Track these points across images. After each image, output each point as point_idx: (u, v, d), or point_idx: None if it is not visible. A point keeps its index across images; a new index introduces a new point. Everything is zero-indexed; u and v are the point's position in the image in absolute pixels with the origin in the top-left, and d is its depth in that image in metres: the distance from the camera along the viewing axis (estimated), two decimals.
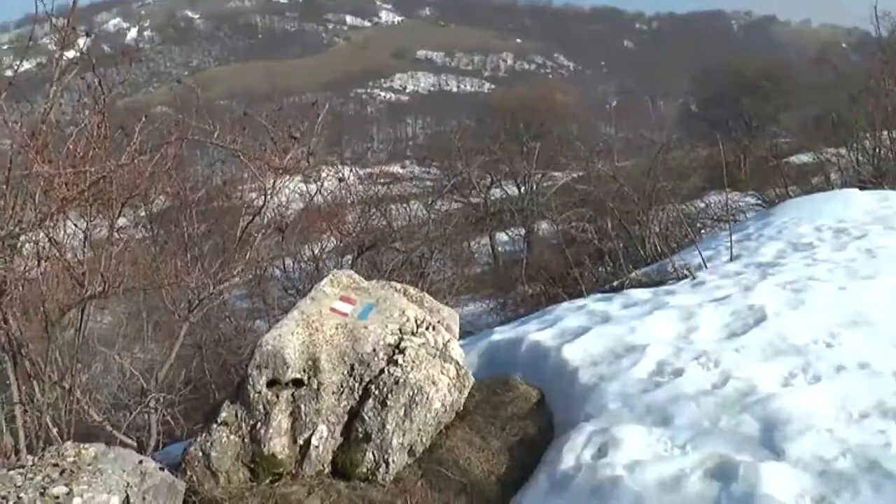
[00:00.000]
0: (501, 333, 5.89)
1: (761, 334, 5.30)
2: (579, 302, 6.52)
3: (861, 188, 11.68)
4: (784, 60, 55.43)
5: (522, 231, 29.36)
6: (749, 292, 6.29)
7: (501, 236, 30.99)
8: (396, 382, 4.44)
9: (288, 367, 4.38)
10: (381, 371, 4.52)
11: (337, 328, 4.61)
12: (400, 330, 4.73)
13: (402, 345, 4.62)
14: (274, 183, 6.44)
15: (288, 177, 6.82)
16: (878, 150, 13.13)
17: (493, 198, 32.09)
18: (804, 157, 19.75)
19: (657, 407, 4.39)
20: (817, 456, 3.77)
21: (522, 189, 31.18)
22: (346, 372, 4.52)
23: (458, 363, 4.75)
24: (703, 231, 16.27)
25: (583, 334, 5.42)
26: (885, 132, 12.97)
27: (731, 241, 8.39)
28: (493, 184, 32.30)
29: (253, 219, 6.81)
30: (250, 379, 4.41)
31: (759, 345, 5.14)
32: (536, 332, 5.65)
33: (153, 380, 5.80)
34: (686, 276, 7.19)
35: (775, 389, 4.45)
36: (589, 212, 18.11)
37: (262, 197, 6.76)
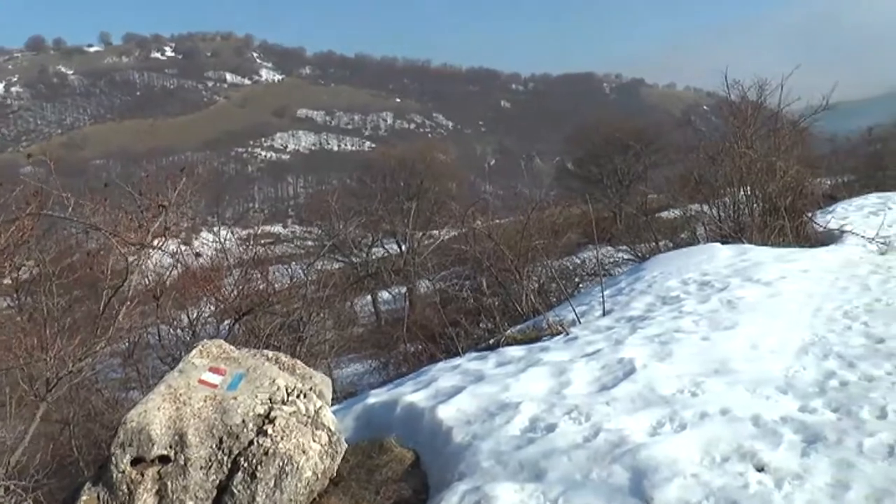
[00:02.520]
0: (377, 396, 5.87)
1: (630, 386, 5.49)
2: (455, 361, 6.58)
3: (723, 242, 12.26)
4: (652, 121, 57.99)
5: (404, 289, 29.46)
6: (619, 346, 6.51)
7: (384, 295, 31.00)
8: (266, 453, 4.36)
9: (153, 444, 4.24)
10: (251, 442, 4.43)
11: (205, 401, 4.50)
12: (270, 399, 4.66)
13: (273, 414, 4.55)
14: (138, 256, 6.25)
15: (153, 248, 6.65)
16: (736, 206, 13.86)
17: (374, 256, 32.17)
18: (674, 213, 20.57)
19: (530, 463, 4.46)
20: (683, 500, 3.96)
21: (404, 247, 31.40)
22: (214, 445, 4.40)
23: (330, 429, 4.70)
24: (581, 286, 16.70)
25: (457, 394, 5.48)
26: (742, 190, 13.70)
27: (602, 297, 8.64)
28: (375, 243, 32.43)
29: (115, 292, 6.58)
30: (114, 458, 4.25)
31: (629, 396, 5.32)
32: (411, 393, 5.67)
33: (3, 466, 5.44)
34: (560, 332, 7.35)
35: (644, 439, 4.63)
36: (466, 270, 18.35)
37: (126, 269, 6.55)
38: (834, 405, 5.24)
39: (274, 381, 4.78)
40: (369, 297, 30.29)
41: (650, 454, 4.36)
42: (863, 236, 12.97)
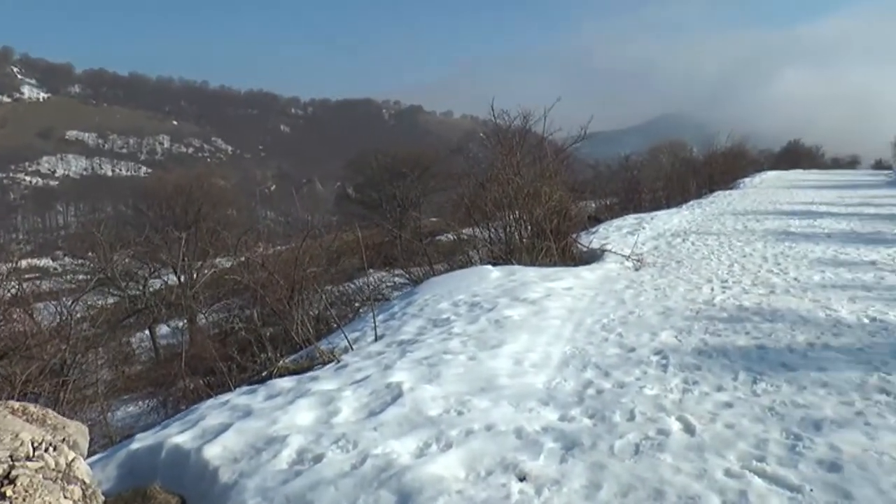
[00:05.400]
0: (141, 440, 5.57)
1: (398, 410, 5.57)
2: (225, 397, 6.39)
3: (494, 264, 12.75)
4: (430, 147, 59.45)
5: (183, 322, 28.29)
6: (388, 371, 6.58)
7: (163, 329, 29.62)
8: None
9: None
10: None
11: None
12: (11, 457, 4.28)
13: (14, 473, 4.17)
14: None
15: None
16: (507, 229, 14.47)
17: (152, 289, 30.67)
18: (450, 237, 21.16)
19: (296, 496, 4.39)
20: None
21: (182, 278, 30.16)
22: None
23: (84, 482, 4.39)
24: (361, 311, 16.77)
25: (224, 431, 5.31)
26: (511, 214, 14.33)
27: (374, 322, 8.73)
28: (152, 274, 30.93)
29: None
30: None
31: (396, 420, 5.39)
32: (177, 434, 5.42)
33: None
34: (332, 360, 7.34)
35: (410, 461, 4.70)
36: (242, 301, 17.96)
37: None
38: (590, 412, 5.63)
39: (17, 436, 4.40)
40: (148, 333, 28.80)
41: (416, 475, 4.44)
42: (621, 254, 13.96)
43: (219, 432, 5.33)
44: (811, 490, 4.25)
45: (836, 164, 79.17)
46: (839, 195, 28.68)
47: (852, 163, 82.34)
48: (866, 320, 8.35)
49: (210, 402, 6.36)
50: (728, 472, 4.49)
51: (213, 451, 5.03)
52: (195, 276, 29.95)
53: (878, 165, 72.88)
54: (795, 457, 4.69)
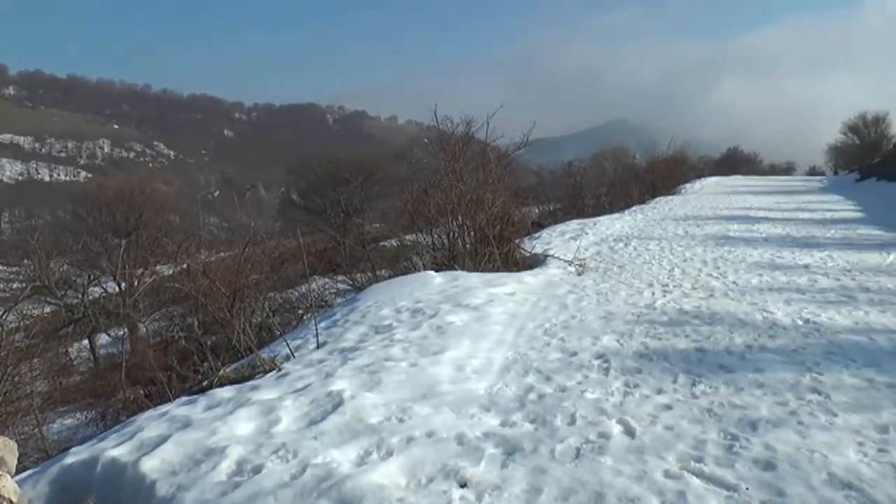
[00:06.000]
0: (76, 454, 5.42)
1: (339, 419, 5.53)
2: (163, 408, 6.25)
3: (437, 270, 12.75)
4: (374, 152, 59.36)
5: (124, 331, 27.73)
6: (329, 379, 6.53)
7: (104, 338, 28.99)
8: None
9: None
10: None
11: None
12: None
13: None
14: None
15: None
16: (451, 235, 14.48)
17: (92, 297, 29.99)
18: (393, 243, 21.14)
19: None
20: None
21: (122, 286, 29.57)
22: None
23: (11, 502, 4.29)
24: (305, 318, 16.63)
25: (162, 443, 5.19)
26: (455, 220, 14.35)
27: (316, 329, 8.66)
28: (91, 282, 30.25)
29: None
30: None
31: (337, 429, 5.36)
32: (114, 448, 5.27)
33: None
34: (273, 369, 7.26)
35: (351, 470, 4.67)
36: (181, 309, 17.69)
37: None
38: (532, 417, 5.67)
39: None
40: (87, 342, 28.14)
41: (356, 484, 4.41)
42: (563, 259, 14.08)
43: (157, 444, 5.22)
44: (747, 489, 4.35)
45: (773, 170, 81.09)
46: (776, 201, 29.29)
47: (788, 169, 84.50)
48: (800, 322, 8.56)
49: (148, 413, 6.23)
50: (667, 474, 4.58)
51: (150, 464, 4.93)
52: (136, 283, 29.39)
53: (812, 171, 75.09)
54: (732, 457, 4.80)
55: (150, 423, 5.79)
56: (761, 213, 23.67)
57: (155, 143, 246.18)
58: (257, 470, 4.74)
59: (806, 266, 12.80)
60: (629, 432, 5.29)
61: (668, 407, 5.79)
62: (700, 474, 4.57)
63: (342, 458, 4.86)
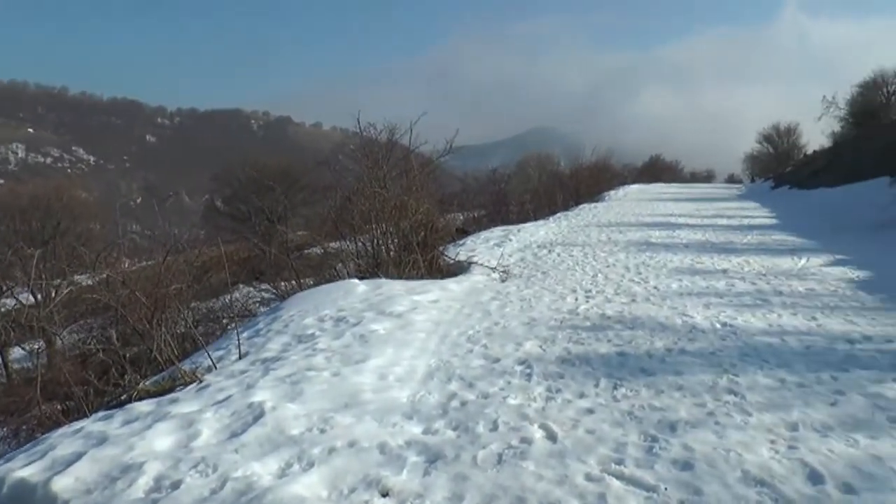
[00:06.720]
0: None
1: (260, 430, 5.46)
2: (78, 424, 6.07)
3: (361, 278, 12.72)
4: (299, 159, 58.84)
5: (40, 344, 26.87)
6: (251, 390, 6.44)
7: (18, 352, 28.06)
8: None
9: None
10: None
11: None
12: None
13: None
14: None
15: None
16: (374, 242, 14.48)
17: (4, 309, 29.02)
18: (318, 250, 20.98)
19: None
20: None
21: (39, 297, 28.69)
22: None
23: None
24: (228, 327, 16.37)
25: (76, 461, 5.02)
26: (379, 227, 14.34)
27: (238, 339, 8.56)
28: (4, 293, 29.29)
29: None
30: None
31: (258, 441, 5.29)
32: (22, 467, 5.06)
33: None
34: (194, 381, 7.15)
35: (271, 483, 4.62)
36: (100, 320, 17.24)
37: None
38: (454, 424, 5.71)
39: None
40: None
41: (277, 497, 4.38)
42: (487, 266, 14.19)
43: (70, 462, 5.05)
44: (666, 489, 4.48)
45: (694, 177, 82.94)
46: (696, 207, 30.03)
47: (708, 177, 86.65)
48: (718, 325, 8.84)
49: (62, 430, 6.04)
50: (588, 477, 4.67)
51: (63, 483, 4.77)
52: (53, 294, 28.53)
53: (731, 179, 77.42)
54: (652, 458, 4.93)
55: (63, 441, 5.62)
56: (682, 220, 24.24)
57: (73, 147, 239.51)
58: (176, 485, 4.64)
59: (724, 271, 13.17)
60: (551, 437, 5.37)
61: (590, 411, 5.90)
62: (620, 476, 4.68)
63: (263, 470, 4.81)
